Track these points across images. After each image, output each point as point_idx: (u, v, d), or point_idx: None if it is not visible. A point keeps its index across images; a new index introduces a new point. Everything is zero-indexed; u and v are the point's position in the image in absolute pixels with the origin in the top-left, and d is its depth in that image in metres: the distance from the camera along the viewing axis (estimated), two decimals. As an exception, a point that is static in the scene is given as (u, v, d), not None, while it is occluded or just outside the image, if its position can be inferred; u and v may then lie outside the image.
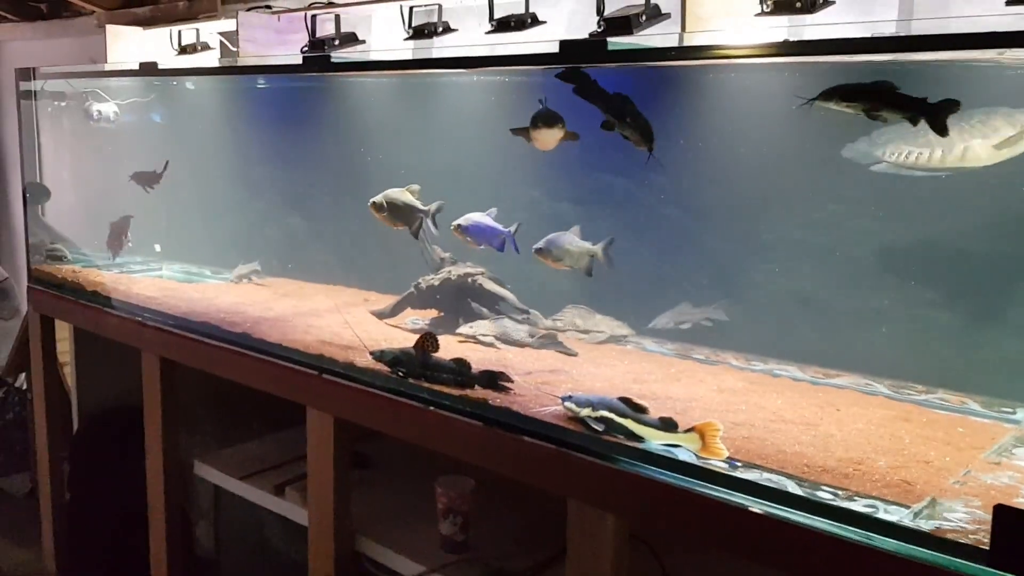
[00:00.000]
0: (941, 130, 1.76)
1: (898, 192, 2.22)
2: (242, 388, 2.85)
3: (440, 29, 2.98)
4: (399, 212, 2.74)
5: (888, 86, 1.76)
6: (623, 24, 2.36)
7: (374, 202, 2.74)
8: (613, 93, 2.18)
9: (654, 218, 2.74)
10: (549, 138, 2.34)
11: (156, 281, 3.84)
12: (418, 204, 2.76)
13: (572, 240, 2.57)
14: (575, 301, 2.92)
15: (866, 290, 2.39)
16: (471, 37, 2.99)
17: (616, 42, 2.04)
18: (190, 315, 3.12)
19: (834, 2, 2.21)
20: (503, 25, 2.78)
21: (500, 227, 2.66)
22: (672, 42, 2.03)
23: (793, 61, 1.86)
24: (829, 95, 1.79)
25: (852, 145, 2.20)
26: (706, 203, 2.61)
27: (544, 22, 2.75)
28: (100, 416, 3.96)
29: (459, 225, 2.66)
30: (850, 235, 2.38)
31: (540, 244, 2.58)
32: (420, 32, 3.00)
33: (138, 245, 3.95)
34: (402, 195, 2.74)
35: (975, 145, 2.01)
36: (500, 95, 3.11)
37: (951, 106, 1.74)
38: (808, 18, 2.15)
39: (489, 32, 2.80)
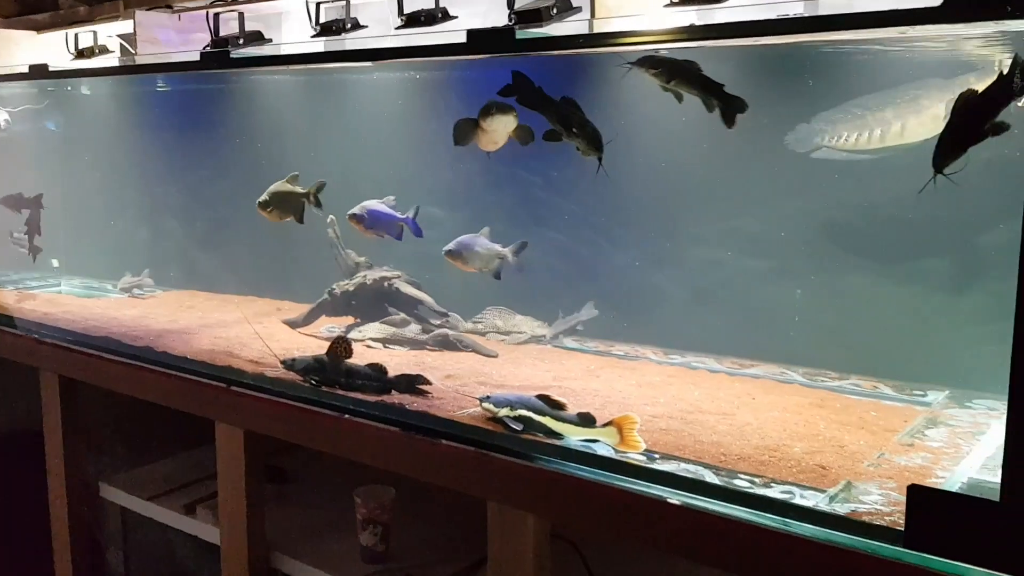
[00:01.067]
0: (728, 120, 1.91)
1: (824, 179, 2.24)
2: (150, 406, 2.72)
3: (348, 25, 2.90)
4: (282, 202, 2.67)
5: (692, 65, 1.92)
6: (534, 16, 2.33)
7: (260, 201, 2.69)
8: (561, 99, 2.12)
9: (563, 211, 2.73)
10: (501, 128, 2.25)
11: (54, 297, 3.66)
12: (297, 188, 2.70)
13: (482, 243, 2.54)
14: (494, 302, 2.88)
15: (782, 281, 2.40)
16: (383, 32, 2.93)
17: (525, 31, 2.00)
18: (90, 331, 2.97)
19: (741, -8, 2.22)
20: (413, 20, 2.72)
21: (397, 214, 2.60)
22: (581, 30, 2.00)
23: (701, 46, 1.85)
24: (642, 63, 1.94)
25: (792, 133, 2.21)
26: (623, 195, 2.60)
27: (455, 17, 2.70)
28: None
29: (354, 214, 2.60)
30: (774, 223, 2.40)
31: (451, 246, 2.54)
32: (328, 29, 2.91)
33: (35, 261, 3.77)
34: (281, 186, 2.70)
35: (911, 123, 2.03)
36: (408, 92, 3.06)
37: (741, 105, 1.90)
38: (717, 9, 2.15)
39: (399, 27, 2.74)
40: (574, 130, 2.09)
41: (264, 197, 2.70)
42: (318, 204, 2.71)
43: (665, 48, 1.87)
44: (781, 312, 2.40)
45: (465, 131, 2.29)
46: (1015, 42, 1.64)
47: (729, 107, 1.91)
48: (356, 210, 2.60)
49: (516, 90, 2.17)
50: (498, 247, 2.56)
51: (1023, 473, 1.32)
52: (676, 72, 1.93)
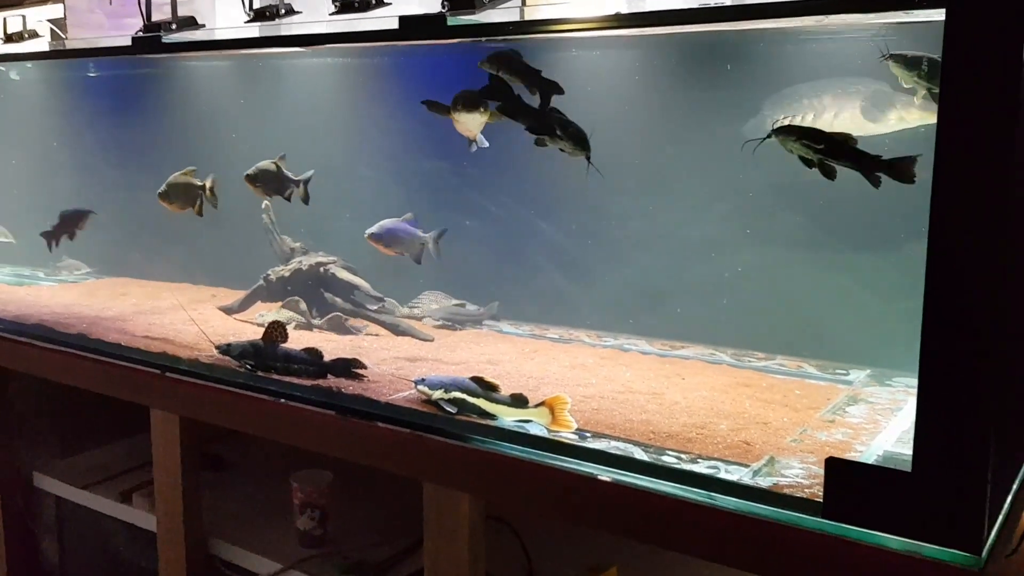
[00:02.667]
0: (545, 101, 2.04)
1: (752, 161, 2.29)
2: (85, 393, 2.69)
3: (283, 11, 2.88)
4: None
5: (513, 53, 2.05)
6: (466, 3, 2.35)
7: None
8: (539, 108, 2.12)
9: (498, 195, 2.76)
10: (471, 122, 2.23)
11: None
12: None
13: (404, 228, 2.56)
14: (430, 286, 2.90)
15: (712, 263, 2.46)
16: (316, 19, 2.91)
17: (457, 18, 2.02)
18: (21, 318, 2.91)
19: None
20: (346, 6, 2.71)
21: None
22: (513, 16, 2.03)
23: (628, 34, 1.89)
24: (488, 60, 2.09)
25: (744, 126, 2.25)
26: (556, 179, 2.63)
27: (389, 3, 2.70)
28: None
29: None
30: (705, 208, 2.45)
31: (373, 229, 2.55)
32: (261, 14, 2.89)
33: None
34: (178, 177, 2.70)
35: (845, 116, 2.09)
36: (344, 77, 3.06)
37: (557, 89, 2.02)
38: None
39: (333, 13, 2.73)
40: (558, 133, 2.08)
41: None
42: (214, 197, 2.70)
43: (593, 35, 1.90)
44: (711, 294, 2.46)
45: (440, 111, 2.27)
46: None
47: (546, 91, 2.01)
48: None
49: (492, 95, 2.16)
50: (419, 232, 2.58)
51: (932, 443, 1.38)
52: (501, 63, 2.07)
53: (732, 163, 2.32)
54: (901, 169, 1.68)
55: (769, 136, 1.73)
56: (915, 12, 1.38)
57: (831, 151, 1.69)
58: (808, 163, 1.72)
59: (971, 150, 1.26)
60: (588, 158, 2.08)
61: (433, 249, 2.58)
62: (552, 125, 2.08)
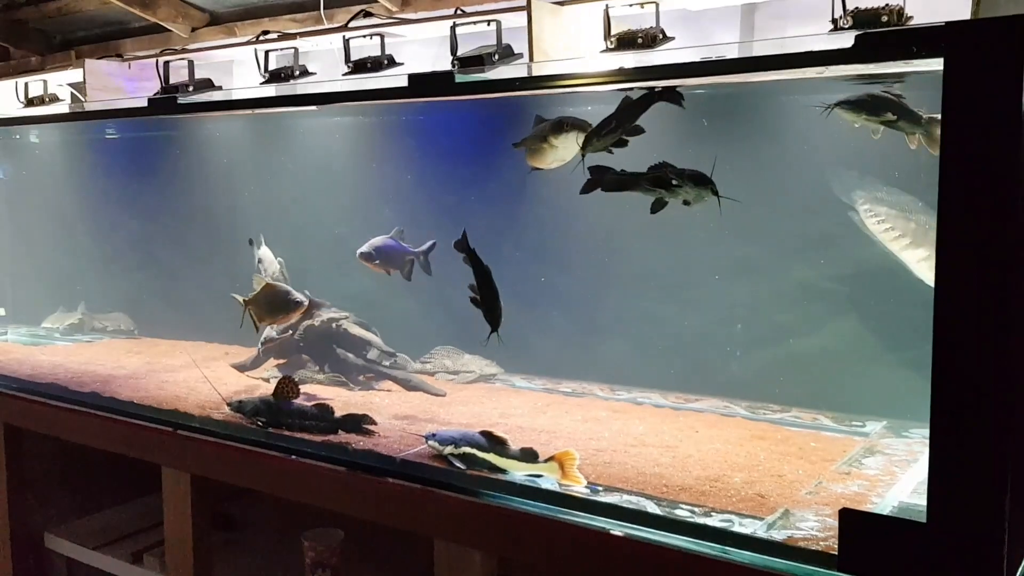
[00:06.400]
0: None
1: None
2: (98, 453, 2.69)
3: (297, 72, 2.95)
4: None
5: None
6: (476, 62, 2.40)
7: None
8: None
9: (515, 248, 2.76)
10: (572, 145, 2.08)
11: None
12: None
13: (393, 244, 2.55)
14: (443, 342, 2.90)
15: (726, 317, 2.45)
16: (331, 79, 2.98)
17: (464, 75, 2.06)
18: (35, 377, 2.93)
19: (674, 38, 2.30)
20: (359, 67, 2.78)
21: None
22: (519, 73, 2.06)
23: (629, 87, 1.91)
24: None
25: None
26: (573, 233, 2.65)
27: (401, 63, 2.76)
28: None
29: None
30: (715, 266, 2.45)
31: (364, 248, 2.55)
32: (276, 76, 2.96)
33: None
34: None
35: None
36: (362, 135, 3.10)
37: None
38: (651, 52, 2.23)
39: (346, 74, 2.79)
40: (674, 183, 1.90)
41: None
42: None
43: (592, 90, 1.93)
44: (723, 348, 2.44)
45: (536, 148, 2.13)
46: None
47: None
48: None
49: (595, 185, 2.03)
50: (408, 248, 2.57)
51: (945, 494, 1.36)
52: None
53: (750, 213, 2.32)
54: None
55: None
56: (914, 62, 1.40)
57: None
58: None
59: (974, 197, 1.27)
60: (715, 191, 1.87)
61: (423, 264, 2.56)
62: (667, 178, 1.90)
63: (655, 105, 1.84)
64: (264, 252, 2.83)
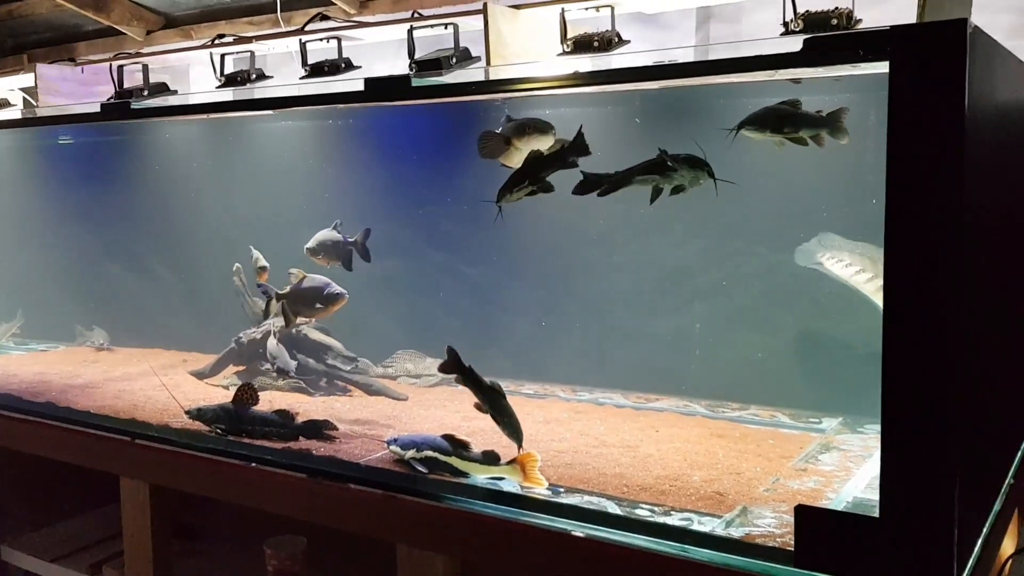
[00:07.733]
0: None
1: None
2: (55, 464, 2.64)
3: (254, 76, 2.93)
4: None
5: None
6: (434, 65, 2.40)
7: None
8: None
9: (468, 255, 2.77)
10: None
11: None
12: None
13: (333, 236, 2.57)
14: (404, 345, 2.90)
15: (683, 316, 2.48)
16: (288, 83, 2.96)
17: (421, 79, 2.06)
18: (-12, 388, 2.88)
19: (629, 41, 2.32)
20: (316, 70, 2.76)
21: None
22: (476, 76, 2.06)
23: (582, 91, 1.92)
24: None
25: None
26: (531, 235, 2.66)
27: (359, 67, 2.75)
28: None
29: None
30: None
31: (310, 244, 2.58)
32: (232, 80, 2.93)
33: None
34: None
35: None
36: (321, 138, 3.08)
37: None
38: (607, 56, 2.25)
39: (303, 77, 2.78)
40: (670, 165, 1.83)
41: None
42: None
43: (549, 93, 1.94)
44: (683, 347, 2.47)
45: (493, 146, 2.07)
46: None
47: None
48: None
49: (592, 188, 1.95)
50: (347, 237, 2.58)
51: (897, 488, 1.39)
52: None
53: (711, 212, 2.34)
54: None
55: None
56: (861, 66, 1.42)
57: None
58: None
59: (920, 200, 1.29)
60: (712, 174, 1.84)
61: (360, 251, 2.56)
62: (663, 163, 1.84)
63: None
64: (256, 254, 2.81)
